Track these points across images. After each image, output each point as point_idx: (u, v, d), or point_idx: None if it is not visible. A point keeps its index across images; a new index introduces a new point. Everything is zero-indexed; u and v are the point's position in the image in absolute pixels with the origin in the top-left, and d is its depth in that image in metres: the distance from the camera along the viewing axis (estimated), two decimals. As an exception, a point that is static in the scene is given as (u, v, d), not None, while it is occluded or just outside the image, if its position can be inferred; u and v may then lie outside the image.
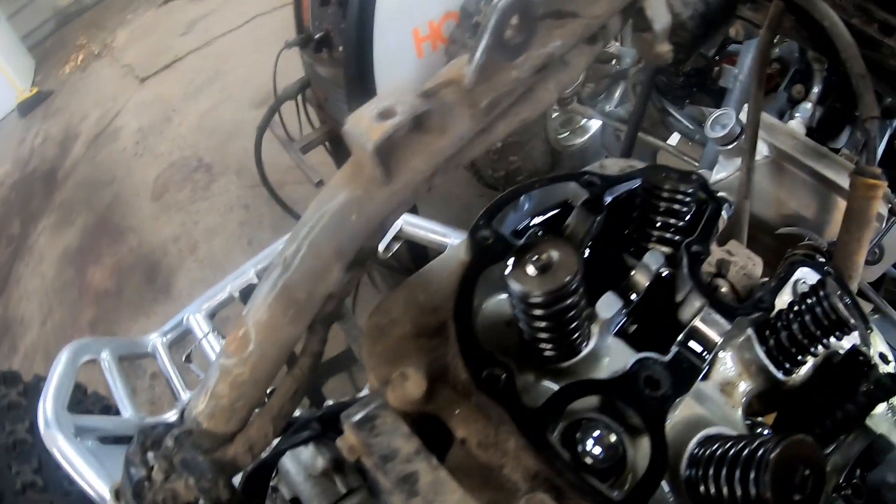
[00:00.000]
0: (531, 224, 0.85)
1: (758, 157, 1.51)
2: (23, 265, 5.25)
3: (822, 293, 0.78)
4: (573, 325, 0.64)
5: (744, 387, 0.80)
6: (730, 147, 1.53)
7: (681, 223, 0.84)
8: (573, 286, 0.59)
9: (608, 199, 0.87)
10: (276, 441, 0.86)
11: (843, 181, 1.51)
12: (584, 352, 0.68)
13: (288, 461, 0.88)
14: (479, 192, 3.59)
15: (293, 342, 0.74)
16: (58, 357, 1.78)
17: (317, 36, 2.73)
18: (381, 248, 1.88)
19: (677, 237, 0.84)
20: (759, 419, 0.87)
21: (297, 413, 0.86)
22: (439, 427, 0.65)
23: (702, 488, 0.62)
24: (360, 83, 2.57)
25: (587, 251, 0.87)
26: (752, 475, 0.56)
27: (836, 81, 1.82)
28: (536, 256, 0.61)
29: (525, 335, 0.67)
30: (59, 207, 5.62)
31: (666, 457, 0.59)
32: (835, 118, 1.83)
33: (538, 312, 0.61)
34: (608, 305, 0.69)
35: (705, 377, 0.78)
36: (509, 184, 2.58)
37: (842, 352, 0.88)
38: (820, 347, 0.80)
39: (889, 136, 2.13)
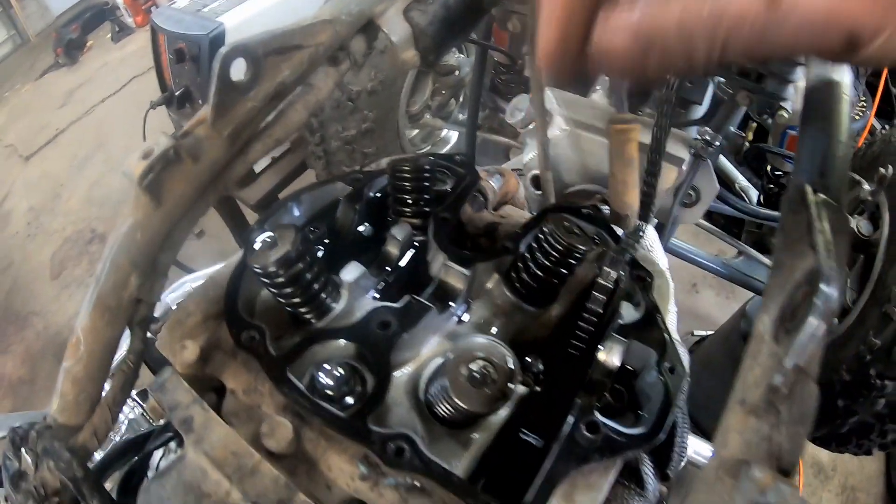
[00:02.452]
0: (309, 224, 1.05)
1: (557, 131, 1.74)
2: (-69, 368, 5.16)
3: (545, 229, 0.95)
4: (313, 289, 0.85)
5: (500, 323, 0.98)
6: (531, 128, 1.76)
7: (427, 196, 1.05)
8: (292, 255, 0.80)
9: (372, 192, 1.09)
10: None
11: (644, 138, 1.75)
12: (335, 311, 0.88)
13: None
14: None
15: (115, 341, 0.92)
16: (-32, 441, 1.90)
17: (178, 93, 2.91)
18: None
19: (427, 209, 1.05)
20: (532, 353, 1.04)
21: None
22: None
23: (435, 409, 0.82)
24: (223, 130, 2.77)
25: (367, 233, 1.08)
26: (442, 383, 0.77)
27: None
28: (265, 241, 0.81)
29: (283, 305, 0.87)
30: (-40, 302, 5.55)
31: (387, 379, 0.80)
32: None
33: (273, 281, 0.82)
34: (349, 271, 0.90)
35: (462, 320, 0.98)
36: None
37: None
38: (567, 273, 0.98)
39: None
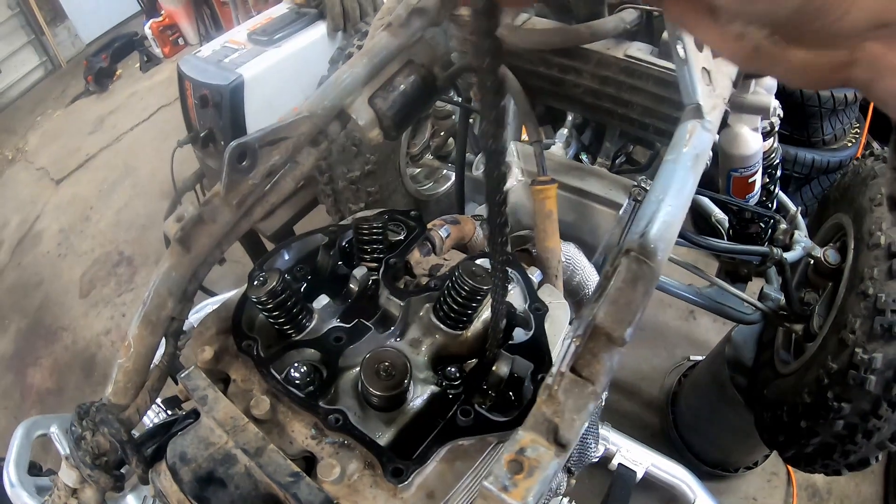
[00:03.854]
0: (297, 265, 1.49)
1: (514, 181, 2.15)
2: (-39, 377, 5.62)
3: (456, 273, 1.33)
4: (292, 313, 1.28)
5: (428, 342, 1.38)
6: (492, 177, 2.16)
7: (381, 247, 1.48)
8: (278, 289, 1.23)
9: (343, 242, 1.52)
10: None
11: (588, 185, 2.13)
12: (307, 328, 1.32)
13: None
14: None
15: (155, 346, 1.35)
16: (14, 432, 2.33)
17: (202, 134, 3.39)
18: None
19: (381, 256, 1.48)
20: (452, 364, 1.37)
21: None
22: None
23: (367, 397, 1.24)
24: (241, 170, 3.27)
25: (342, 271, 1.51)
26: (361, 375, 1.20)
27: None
28: (259, 278, 1.25)
29: (272, 323, 1.31)
30: (-10, 315, 6.05)
31: (335, 375, 1.23)
32: (596, 137, 2.51)
33: (264, 307, 1.25)
34: (319, 301, 1.34)
35: (401, 337, 1.39)
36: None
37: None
38: (476, 305, 1.39)
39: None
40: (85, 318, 5.54)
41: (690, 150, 1.43)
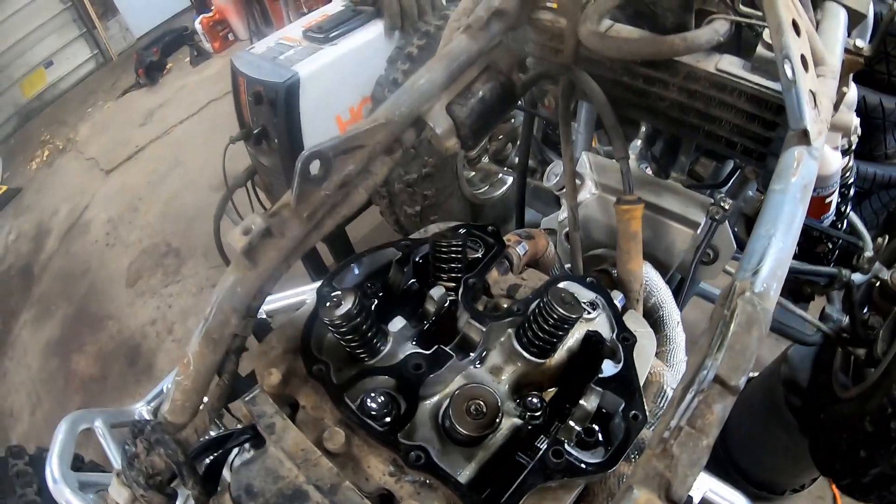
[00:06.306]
0: (367, 281, 1.38)
1: (587, 194, 2.01)
2: (7, 359, 5.68)
3: (544, 299, 1.23)
4: (366, 337, 1.17)
5: (509, 370, 1.26)
6: (564, 191, 2.04)
7: (459, 265, 1.36)
8: (353, 312, 1.12)
9: (417, 257, 1.41)
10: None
11: (664, 202, 1.98)
12: (382, 353, 1.20)
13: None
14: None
15: (216, 364, 1.26)
16: (58, 427, 2.27)
17: (255, 131, 3.31)
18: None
19: (460, 274, 1.36)
20: (534, 393, 1.25)
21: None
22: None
23: (448, 430, 1.12)
24: (296, 169, 3.18)
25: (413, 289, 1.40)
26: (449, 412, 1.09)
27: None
28: (333, 299, 1.14)
29: (343, 346, 1.20)
30: (39, 301, 6.11)
31: (415, 405, 1.11)
32: (669, 149, 2.35)
33: (337, 330, 1.14)
34: (395, 324, 1.23)
35: (481, 364, 1.28)
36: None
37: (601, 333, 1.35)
38: (563, 334, 1.28)
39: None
40: (131, 307, 5.55)
41: (799, 181, 1.30)
